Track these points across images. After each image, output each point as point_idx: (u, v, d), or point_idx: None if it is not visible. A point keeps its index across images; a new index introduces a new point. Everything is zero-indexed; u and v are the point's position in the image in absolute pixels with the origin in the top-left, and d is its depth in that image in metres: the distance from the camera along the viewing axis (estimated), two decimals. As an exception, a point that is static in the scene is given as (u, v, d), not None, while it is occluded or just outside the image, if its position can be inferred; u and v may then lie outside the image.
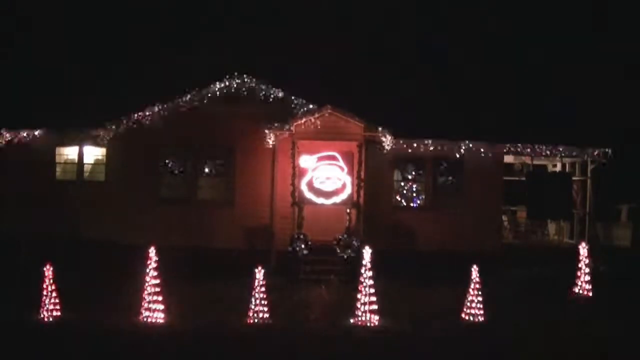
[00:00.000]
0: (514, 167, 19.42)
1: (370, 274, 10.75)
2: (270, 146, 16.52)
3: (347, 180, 16.62)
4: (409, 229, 16.92)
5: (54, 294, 10.71)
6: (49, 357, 8.99)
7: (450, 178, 17.57)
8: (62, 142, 17.38)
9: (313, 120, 16.23)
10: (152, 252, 10.74)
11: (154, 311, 10.64)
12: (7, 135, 17.10)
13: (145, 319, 10.62)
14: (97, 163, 17.65)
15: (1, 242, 16.31)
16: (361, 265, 10.85)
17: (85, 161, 17.56)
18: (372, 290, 10.74)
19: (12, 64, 20.98)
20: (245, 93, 17.02)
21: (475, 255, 13.72)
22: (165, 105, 16.87)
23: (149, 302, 10.66)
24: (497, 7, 28.03)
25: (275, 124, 16.29)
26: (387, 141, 16.30)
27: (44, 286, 10.67)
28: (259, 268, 10.73)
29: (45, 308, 10.65)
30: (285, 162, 16.45)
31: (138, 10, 26.06)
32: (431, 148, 17.18)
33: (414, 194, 17.75)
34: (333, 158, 16.79)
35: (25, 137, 17.09)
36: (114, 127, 16.60)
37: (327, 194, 16.65)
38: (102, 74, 19.61)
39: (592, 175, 18.31)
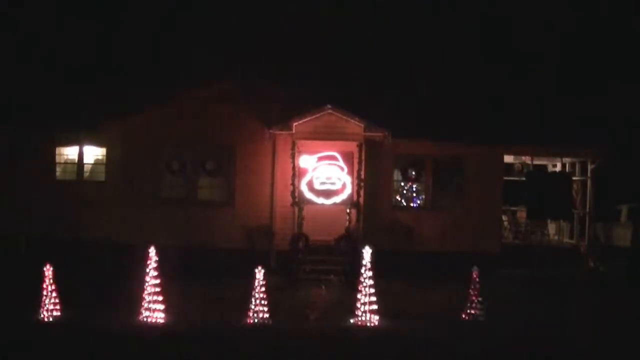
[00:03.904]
0: (514, 167, 19.42)
1: (370, 274, 10.74)
2: (270, 146, 16.51)
3: (347, 180, 16.61)
4: (409, 228, 16.90)
5: (54, 294, 10.70)
6: (49, 357, 8.99)
7: (450, 178, 17.55)
8: (62, 142, 17.37)
9: (313, 120, 16.23)
10: (152, 252, 10.74)
11: (154, 311, 10.63)
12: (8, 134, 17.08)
13: (145, 319, 10.62)
14: (97, 163, 17.65)
15: (1, 242, 16.31)
16: (361, 265, 10.85)
17: (85, 161, 17.55)
18: (372, 290, 10.73)
19: (12, 63, 20.97)
20: (245, 93, 17.03)
21: (475, 255, 13.76)
22: (165, 105, 16.87)
23: (149, 302, 10.65)
24: (497, 6, 28.01)
25: (275, 124, 16.29)
26: (387, 141, 16.30)
27: (44, 286, 10.66)
28: (259, 268, 10.72)
29: (45, 308, 10.64)
30: (285, 162, 16.44)
31: (138, 10, 26.05)
32: (431, 148, 17.19)
33: (414, 194, 17.75)
34: (333, 158, 16.79)
35: (25, 136, 17.07)
36: (114, 126, 16.58)
37: (327, 194, 16.64)
38: (102, 73, 19.60)
39: (592, 175, 18.31)
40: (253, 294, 10.69)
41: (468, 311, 11.37)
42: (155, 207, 16.92)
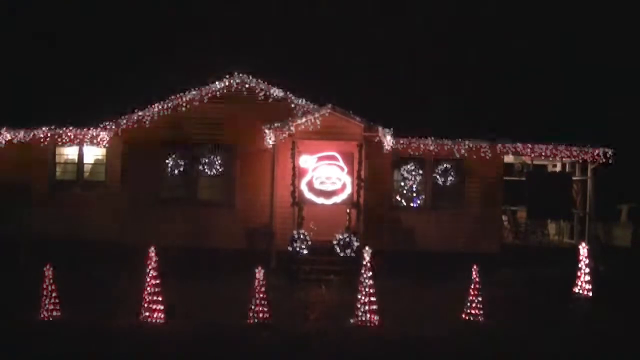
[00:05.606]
0: (514, 167, 19.43)
1: (370, 274, 10.75)
2: (270, 146, 16.51)
3: (347, 180, 16.62)
4: (409, 229, 16.92)
5: (54, 294, 10.70)
6: (49, 357, 8.98)
7: (450, 178, 17.54)
8: (62, 142, 17.38)
9: (313, 120, 16.23)
10: (152, 252, 10.74)
11: (154, 311, 10.63)
12: (7, 135, 17.02)
13: (145, 319, 10.62)
14: (97, 163, 17.66)
15: (1, 242, 16.31)
16: (361, 265, 10.85)
17: (85, 161, 17.57)
18: (372, 290, 10.73)
19: (12, 63, 20.98)
20: (245, 93, 17.05)
21: (475, 255, 13.75)
22: (165, 105, 16.88)
23: (149, 302, 10.65)
24: (496, 6, 28.05)
25: (275, 124, 16.28)
26: (387, 141, 16.30)
27: (44, 286, 10.66)
28: (259, 268, 10.73)
29: (45, 308, 10.64)
30: (285, 162, 16.45)
31: (137, 9, 26.07)
32: (431, 148, 17.19)
33: (414, 194, 17.75)
34: (333, 158, 16.79)
35: (25, 136, 17.04)
36: (114, 126, 16.58)
37: (327, 194, 16.65)
38: (102, 73, 19.59)
39: (592, 175, 18.32)
40: (253, 294, 10.69)
41: (468, 311, 11.36)
42: (156, 207, 16.93)
